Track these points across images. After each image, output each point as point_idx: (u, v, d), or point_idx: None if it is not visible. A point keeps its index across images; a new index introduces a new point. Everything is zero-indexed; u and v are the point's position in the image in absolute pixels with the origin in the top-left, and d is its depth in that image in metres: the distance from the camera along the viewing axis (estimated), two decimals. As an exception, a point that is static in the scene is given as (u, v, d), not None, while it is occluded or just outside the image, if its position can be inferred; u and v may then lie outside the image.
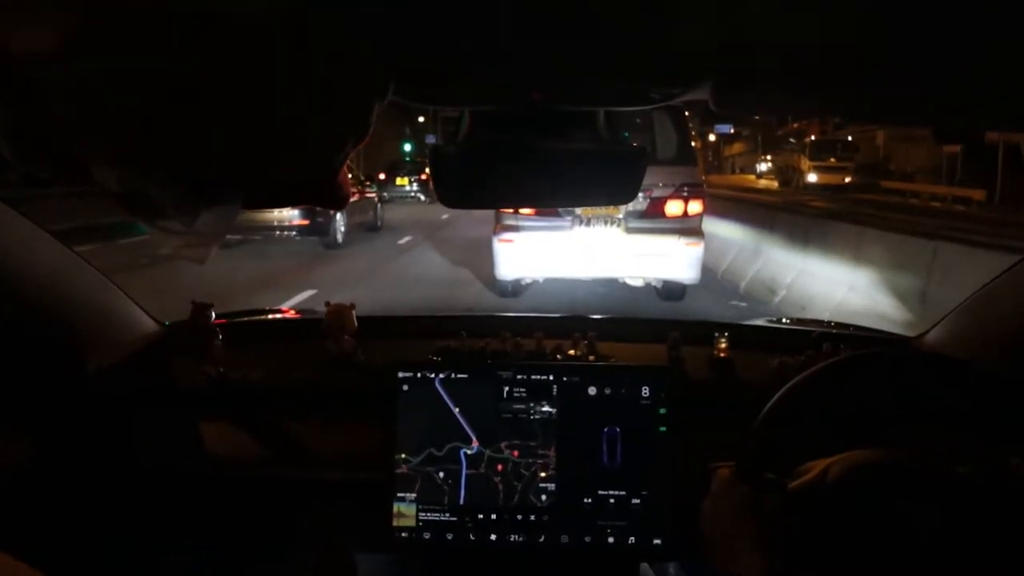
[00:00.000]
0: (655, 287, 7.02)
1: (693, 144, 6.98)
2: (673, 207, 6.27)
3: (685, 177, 6.33)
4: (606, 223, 6.28)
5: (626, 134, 5.94)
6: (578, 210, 6.13)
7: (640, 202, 6.15)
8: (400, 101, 0.68)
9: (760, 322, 1.89)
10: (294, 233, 9.98)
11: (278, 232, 9.88)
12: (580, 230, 6.29)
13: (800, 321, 1.91)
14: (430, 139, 33.01)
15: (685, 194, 6.27)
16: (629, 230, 6.27)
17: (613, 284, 7.02)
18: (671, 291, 6.88)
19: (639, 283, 6.95)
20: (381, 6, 0.44)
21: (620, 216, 6.23)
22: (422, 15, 0.47)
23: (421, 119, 33.01)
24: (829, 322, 1.77)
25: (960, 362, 0.99)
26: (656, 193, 6.21)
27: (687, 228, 6.29)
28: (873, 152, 29.06)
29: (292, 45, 0.37)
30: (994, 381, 0.95)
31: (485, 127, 0.90)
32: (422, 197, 23.61)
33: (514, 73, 0.64)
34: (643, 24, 0.50)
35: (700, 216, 6.39)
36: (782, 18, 0.47)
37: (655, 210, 6.25)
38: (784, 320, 1.99)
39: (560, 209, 6.05)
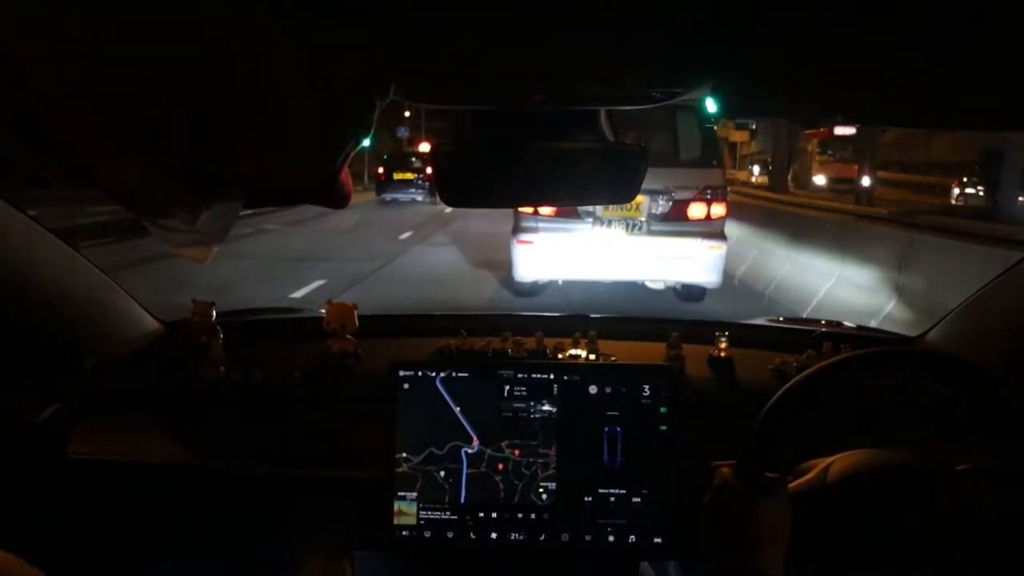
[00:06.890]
0: (675, 288, 6.94)
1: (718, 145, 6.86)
2: (696, 210, 6.17)
3: (709, 179, 6.24)
4: (627, 225, 6.15)
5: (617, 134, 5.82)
6: (598, 211, 6.07)
7: (662, 204, 6.09)
8: (402, 100, 0.68)
9: (760, 321, 1.89)
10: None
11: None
12: (600, 231, 6.16)
13: (800, 320, 1.91)
14: (403, 132, 32.39)
15: (708, 196, 6.18)
16: (650, 232, 6.16)
17: (632, 287, 6.89)
18: (690, 293, 6.82)
19: (660, 286, 6.83)
20: (383, 7, 0.44)
21: (641, 218, 6.12)
22: (423, 16, 0.47)
23: (408, 113, 32.00)
24: (829, 321, 1.77)
25: (960, 361, 0.99)
26: (678, 195, 6.10)
27: (710, 231, 6.20)
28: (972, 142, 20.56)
29: (294, 46, 0.37)
30: (994, 381, 0.95)
31: (486, 126, 0.90)
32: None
33: (515, 73, 0.64)
34: (643, 25, 0.50)
35: (723, 219, 6.30)
36: (785, 20, 0.47)
37: (677, 212, 6.15)
38: (784, 319, 1.99)
39: (579, 210, 5.99)
